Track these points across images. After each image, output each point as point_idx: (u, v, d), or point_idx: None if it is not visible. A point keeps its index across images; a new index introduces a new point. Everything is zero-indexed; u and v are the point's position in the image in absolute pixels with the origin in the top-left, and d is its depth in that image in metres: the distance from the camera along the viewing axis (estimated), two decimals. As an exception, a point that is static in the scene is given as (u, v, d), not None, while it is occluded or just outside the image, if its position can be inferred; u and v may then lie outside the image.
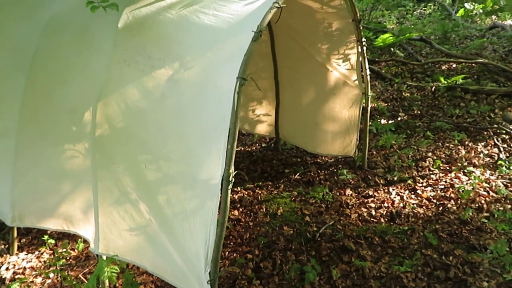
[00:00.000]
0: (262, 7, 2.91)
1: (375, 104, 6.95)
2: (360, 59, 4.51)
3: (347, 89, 4.81)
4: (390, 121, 6.42)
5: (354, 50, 4.50)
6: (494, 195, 4.27)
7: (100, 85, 3.07)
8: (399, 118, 6.52)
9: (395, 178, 4.79)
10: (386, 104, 7.07)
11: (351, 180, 4.81)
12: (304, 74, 5.03)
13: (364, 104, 4.81)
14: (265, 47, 5.12)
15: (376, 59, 9.07)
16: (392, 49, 9.40)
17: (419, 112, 6.64)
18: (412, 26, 11.77)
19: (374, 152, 5.48)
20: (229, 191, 2.65)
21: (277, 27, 4.89)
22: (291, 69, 5.11)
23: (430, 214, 4.06)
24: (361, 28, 4.30)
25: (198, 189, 2.78)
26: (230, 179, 2.63)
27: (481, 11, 7.39)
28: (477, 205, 4.13)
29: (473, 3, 7.43)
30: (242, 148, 5.93)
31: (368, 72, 4.57)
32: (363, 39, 4.37)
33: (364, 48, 4.43)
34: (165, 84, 2.96)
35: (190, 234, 2.81)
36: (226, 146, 2.57)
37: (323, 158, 5.41)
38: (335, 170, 5.12)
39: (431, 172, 4.86)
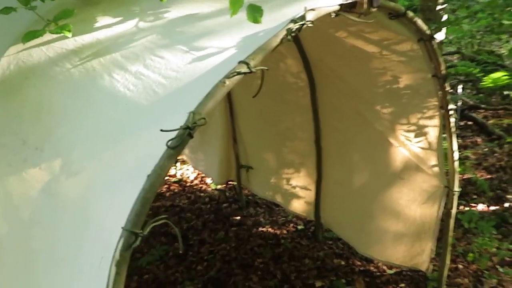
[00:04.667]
0: (217, 70, 1.53)
1: (471, 175, 5.17)
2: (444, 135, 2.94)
3: (421, 177, 3.22)
4: (491, 207, 4.63)
5: (435, 122, 2.92)
6: None
7: None
8: (506, 205, 4.70)
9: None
10: (489, 177, 5.26)
11: (414, 320, 3.20)
12: (357, 144, 3.52)
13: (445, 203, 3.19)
14: (303, 96, 3.68)
15: (482, 106, 7.19)
16: (506, 92, 7.42)
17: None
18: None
19: (460, 266, 3.78)
20: None
21: (319, 71, 3.44)
22: (339, 133, 3.63)
23: None
24: (448, 88, 2.72)
25: None
26: None
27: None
28: None
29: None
30: (270, 229, 4.50)
31: (456, 156, 2.97)
32: (452, 106, 2.79)
33: (452, 119, 2.84)
34: (37, 198, 1.70)
35: None
36: None
37: (379, 265, 3.83)
38: (393, 292, 3.52)
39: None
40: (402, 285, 3.59)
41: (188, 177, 5.81)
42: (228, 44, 1.74)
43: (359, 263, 3.90)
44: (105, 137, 1.56)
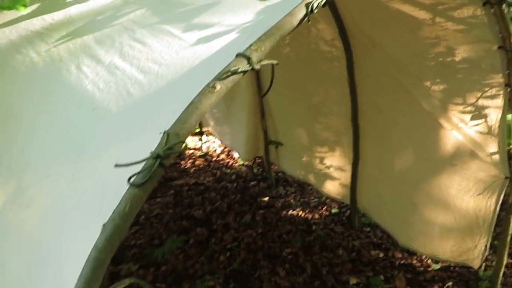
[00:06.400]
0: (210, 64, 1.12)
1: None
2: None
3: (477, 165, 2.75)
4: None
5: (498, 102, 2.43)
6: None
7: None
8: None
9: None
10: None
11: (463, 328, 2.82)
12: (400, 124, 3.06)
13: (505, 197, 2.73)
14: (338, 67, 3.22)
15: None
16: None
17: None
18: None
19: (520, 263, 3.34)
20: None
21: (356, 39, 2.96)
22: (379, 111, 3.17)
23: None
24: (518, 63, 2.22)
25: None
26: None
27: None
28: None
29: None
30: (301, 213, 4.13)
31: (522, 143, 2.49)
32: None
33: (520, 100, 2.35)
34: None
35: None
36: None
37: (422, 259, 3.43)
38: (438, 292, 3.13)
39: None
40: (450, 283, 3.19)
41: (215, 150, 5.47)
42: (231, 22, 1.32)
43: (399, 255, 3.50)
44: (63, 155, 1.20)
